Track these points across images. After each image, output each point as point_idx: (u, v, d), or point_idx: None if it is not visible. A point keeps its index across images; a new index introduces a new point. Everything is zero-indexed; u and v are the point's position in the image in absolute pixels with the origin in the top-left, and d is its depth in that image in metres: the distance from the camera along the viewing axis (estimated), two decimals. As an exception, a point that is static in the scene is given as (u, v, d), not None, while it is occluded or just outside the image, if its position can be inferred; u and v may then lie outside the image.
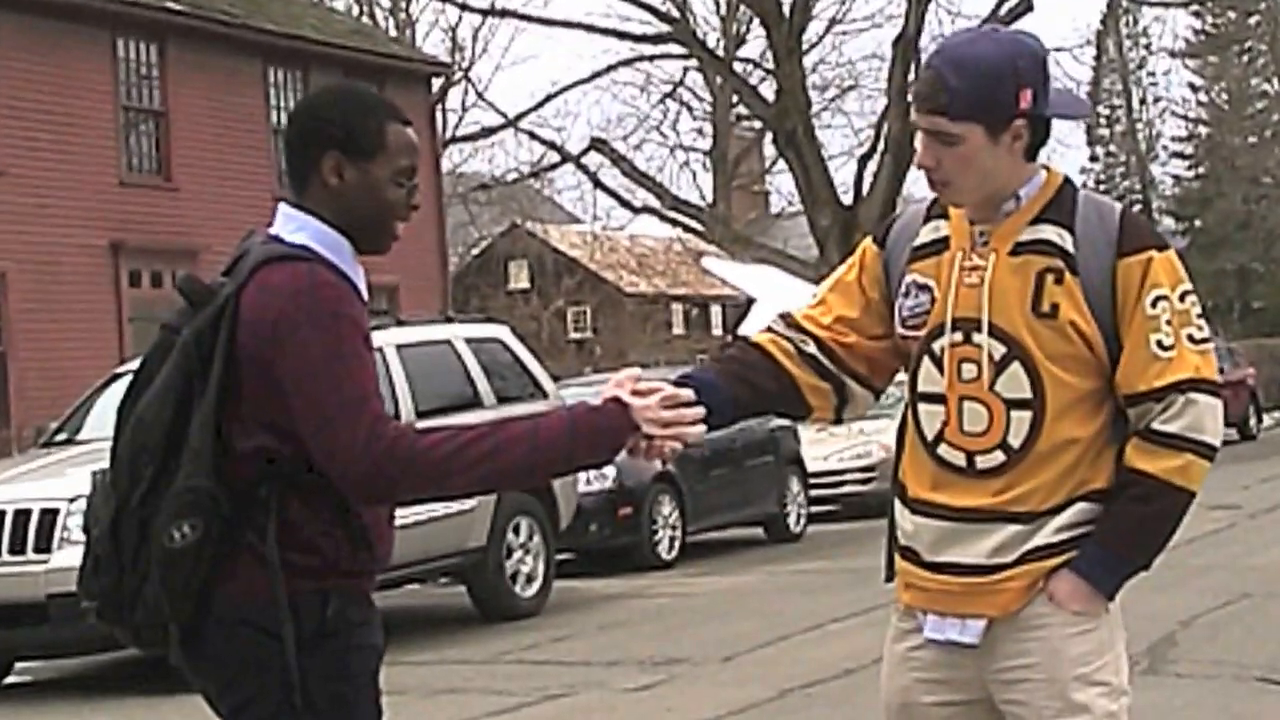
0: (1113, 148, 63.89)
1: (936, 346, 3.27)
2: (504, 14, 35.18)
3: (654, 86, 37.27)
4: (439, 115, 34.91)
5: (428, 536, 11.12)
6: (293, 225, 3.19)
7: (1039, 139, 3.25)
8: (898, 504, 3.37)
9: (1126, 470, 3.19)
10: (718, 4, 40.31)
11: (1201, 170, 61.68)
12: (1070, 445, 3.20)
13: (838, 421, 3.55)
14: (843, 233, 29.08)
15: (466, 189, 41.15)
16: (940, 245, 3.31)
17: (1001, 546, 3.21)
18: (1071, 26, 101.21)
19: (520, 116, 34.79)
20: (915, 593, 3.32)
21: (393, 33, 39.57)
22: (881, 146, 29.84)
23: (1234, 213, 56.98)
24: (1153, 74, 65.33)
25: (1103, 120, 63.19)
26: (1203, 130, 62.31)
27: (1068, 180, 3.30)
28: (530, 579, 12.62)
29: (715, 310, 53.43)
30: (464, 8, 35.79)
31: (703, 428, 3.18)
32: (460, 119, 40.47)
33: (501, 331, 13.60)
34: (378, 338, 10.79)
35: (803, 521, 17.94)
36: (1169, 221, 58.35)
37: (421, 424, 3.40)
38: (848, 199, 30.04)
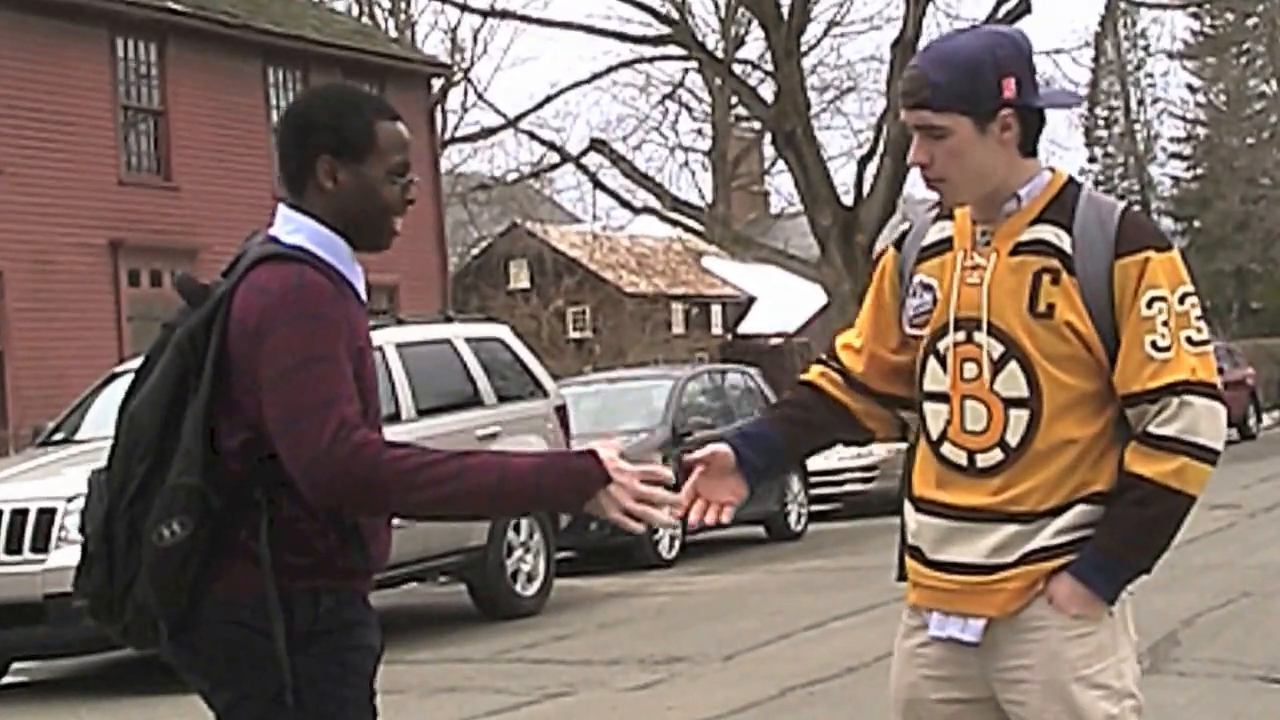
0: (1111, 149, 63.98)
1: (941, 346, 3.29)
2: (504, 15, 35.26)
3: (654, 88, 37.35)
4: (439, 115, 34.92)
5: (428, 534, 11.11)
6: (290, 226, 3.21)
7: (1031, 131, 3.25)
8: (906, 502, 3.39)
9: (1124, 473, 3.18)
10: (717, 6, 40.36)
11: (1200, 171, 61.75)
12: (1069, 445, 3.19)
13: (903, 439, 3.53)
14: (843, 233, 29.11)
15: (466, 189, 41.16)
16: (944, 245, 3.34)
17: (1001, 546, 3.21)
18: (1070, 28, 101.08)
19: (520, 117, 34.82)
20: (921, 591, 3.33)
21: (393, 33, 39.57)
22: (881, 148, 29.89)
23: (1232, 213, 57.01)
24: (1151, 75, 65.72)
25: (1101, 121, 63.30)
26: (1201, 131, 62.39)
27: (1071, 180, 3.30)
28: (531, 577, 12.61)
29: (715, 310, 53.42)
30: (464, 8, 35.83)
31: (672, 519, 3.15)
32: (460, 119, 40.52)
33: (502, 331, 13.60)
34: (378, 337, 10.86)
35: (803, 520, 17.94)
36: (1167, 222, 58.39)
37: (407, 430, 3.38)
38: (848, 199, 30.07)
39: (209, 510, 3.05)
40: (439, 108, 34.84)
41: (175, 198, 23.91)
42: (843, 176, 40.93)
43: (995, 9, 29.25)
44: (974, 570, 3.22)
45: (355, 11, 39.06)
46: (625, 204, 34.62)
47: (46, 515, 10.00)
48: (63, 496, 9.95)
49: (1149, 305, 3.15)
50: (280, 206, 3.26)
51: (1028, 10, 28.88)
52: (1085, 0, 69.33)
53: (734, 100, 38.55)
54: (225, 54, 24.63)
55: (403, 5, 42.16)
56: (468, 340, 12.80)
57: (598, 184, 34.42)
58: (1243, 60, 60.38)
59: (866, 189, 29.85)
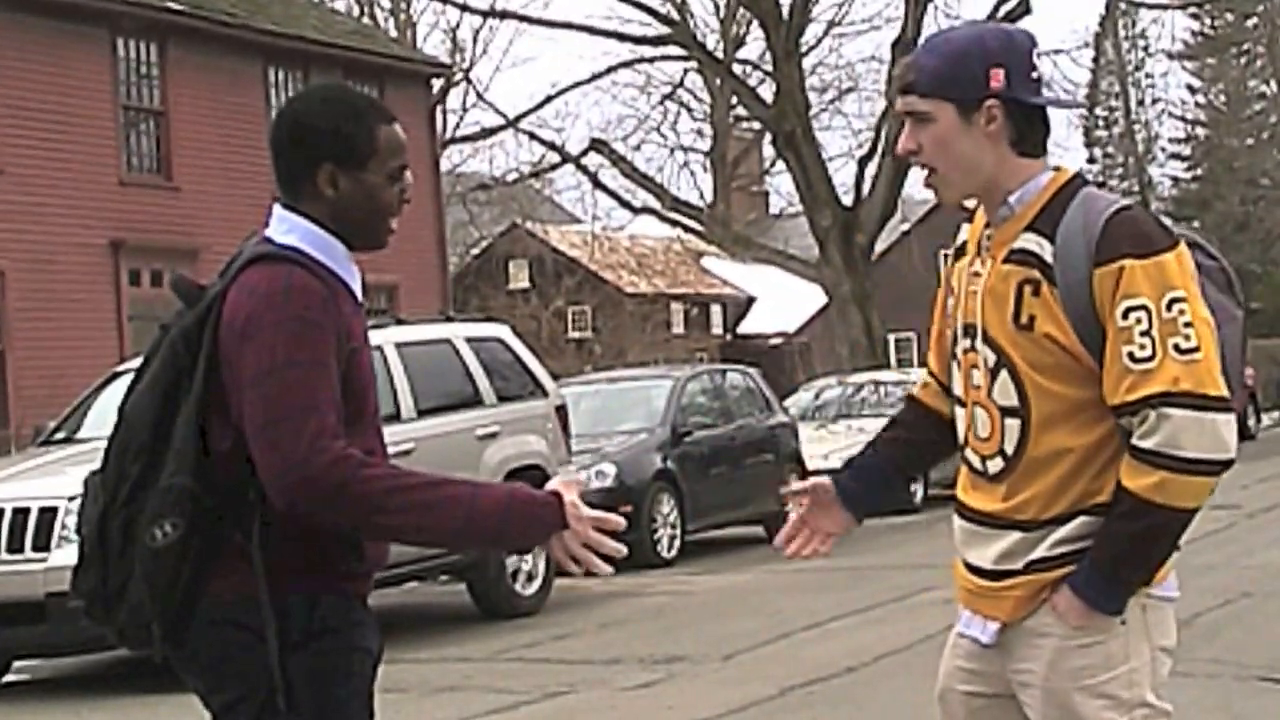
0: (1110, 149, 63.97)
1: (956, 351, 3.32)
2: (504, 15, 35.23)
3: (654, 88, 37.31)
4: (439, 116, 34.92)
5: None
6: (284, 227, 3.19)
7: (1024, 129, 3.20)
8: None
9: (1116, 486, 3.13)
10: (717, 6, 40.36)
11: (1199, 172, 61.74)
12: (1064, 455, 3.15)
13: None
14: (842, 233, 29.12)
15: (466, 189, 41.16)
16: (962, 249, 3.36)
17: (1008, 553, 3.22)
18: (1070, 29, 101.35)
19: (520, 117, 34.81)
20: (957, 588, 3.39)
21: (393, 33, 39.59)
22: (881, 148, 29.90)
23: (1232, 214, 57.00)
24: (1150, 76, 65.68)
25: (1101, 122, 63.28)
26: (1201, 132, 62.39)
27: (1073, 180, 3.23)
28: (531, 577, 12.61)
29: (715, 310, 53.47)
30: (464, 9, 35.83)
31: (609, 569, 3.17)
32: (460, 119, 40.53)
33: (502, 331, 13.60)
34: (377, 337, 10.86)
35: (803, 521, 17.91)
36: (1166, 223, 58.29)
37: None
38: (847, 199, 30.09)
39: (201, 511, 3.03)
40: (439, 108, 34.83)
41: (176, 198, 23.92)
42: (842, 177, 41.00)
43: (995, 9, 29.27)
44: (987, 575, 3.25)
45: (355, 11, 39.07)
46: (625, 204, 34.64)
47: (48, 514, 10.00)
48: (64, 496, 9.94)
49: (1124, 316, 3.06)
50: (275, 206, 3.24)
51: (1027, 10, 28.89)
52: (1085, 0, 69.35)
53: (734, 100, 38.61)
54: (225, 54, 24.64)
55: (403, 5, 42.20)
56: (468, 340, 12.80)
57: (598, 184, 34.43)
58: (1243, 61, 60.35)
59: (866, 189, 29.89)
